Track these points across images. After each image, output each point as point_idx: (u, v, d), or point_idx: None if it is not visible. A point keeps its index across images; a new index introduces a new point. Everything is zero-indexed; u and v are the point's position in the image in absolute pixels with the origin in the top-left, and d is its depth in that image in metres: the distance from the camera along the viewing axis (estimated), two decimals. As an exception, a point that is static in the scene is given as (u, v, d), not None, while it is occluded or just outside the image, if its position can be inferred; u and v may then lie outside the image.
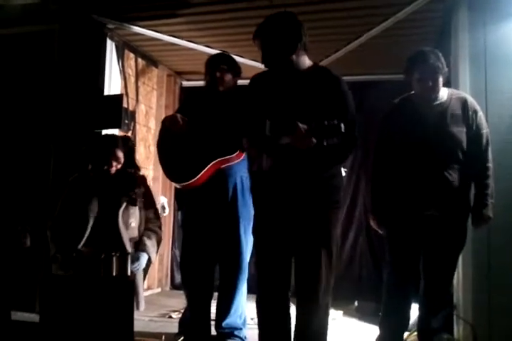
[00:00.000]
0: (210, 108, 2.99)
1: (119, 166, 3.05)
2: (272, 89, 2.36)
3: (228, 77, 3.00)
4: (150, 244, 3.01)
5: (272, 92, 2.35)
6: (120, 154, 3.03)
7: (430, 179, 2.61)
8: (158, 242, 3.10)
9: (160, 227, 3.14)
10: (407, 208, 2.66)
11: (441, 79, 2.64)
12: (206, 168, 2.82)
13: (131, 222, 3.01)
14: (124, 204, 2.98)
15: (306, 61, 2.37)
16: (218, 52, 3.54)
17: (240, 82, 3.12)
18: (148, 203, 3.13)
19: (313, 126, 2.05)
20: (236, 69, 3.06)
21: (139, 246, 3.00)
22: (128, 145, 3.12)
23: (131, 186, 3.03)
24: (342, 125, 2.02)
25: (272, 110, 2.28)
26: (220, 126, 2.86)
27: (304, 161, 2.26)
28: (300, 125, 2.07)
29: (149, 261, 3.02)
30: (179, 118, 2.94)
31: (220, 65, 2.99)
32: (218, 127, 2.87)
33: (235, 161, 2.89)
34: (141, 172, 3.23)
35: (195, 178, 2.82)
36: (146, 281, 5.01)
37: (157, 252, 3.12)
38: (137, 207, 3.03)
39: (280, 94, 2.32)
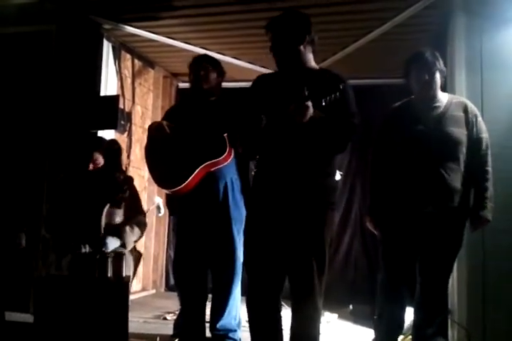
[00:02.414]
0: (195, 110, 2.99)
1: (99, 166, 3.14)
2: (276, 86, 2.38)
3: (212, 75, 3.00)
4: (129, 230, 3.12)
5: (276, 89, 2.36)
6: (98, 157, 3.10)
7: (426, 175, 2.61)
8: (142, 230, 3.22)
9: (145, 222, 3.27)
10: (405, 206, 2.66)
11: (438, 76, 2.63)
12: (195, 173, 2.81)
13: (116, 220, 3.13)
14: (108, 206, 3.05)
15: (312, 60, 2.42)
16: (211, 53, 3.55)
17: (235, 84, 3.13)
18: (134, 205, 3.24)
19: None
20: (220, 69, 3.06)
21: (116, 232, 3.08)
22: (112, 148, 3.15)
23: (116, 189, 3.09)
24: (340, 85, 2.08)
25: (273, 106, 2.27)
26: (206, 128, 2.86)
27: (301, 152, 2.26)
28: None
29: (123, 246, 3.09)
30: (165, 126, 2.94)
31: (203, 63, 3.01)
32: (204, 130, 2.86)
33: (224, 164, 2.87)
34: (130, 173, 3.29)
35: (185, 183, 2.80)
36: (140, 283, 5.02)
37: (137, 240, 3.22)
38: (122, 209, 3.14)
39: (283, 91, 2.31)
